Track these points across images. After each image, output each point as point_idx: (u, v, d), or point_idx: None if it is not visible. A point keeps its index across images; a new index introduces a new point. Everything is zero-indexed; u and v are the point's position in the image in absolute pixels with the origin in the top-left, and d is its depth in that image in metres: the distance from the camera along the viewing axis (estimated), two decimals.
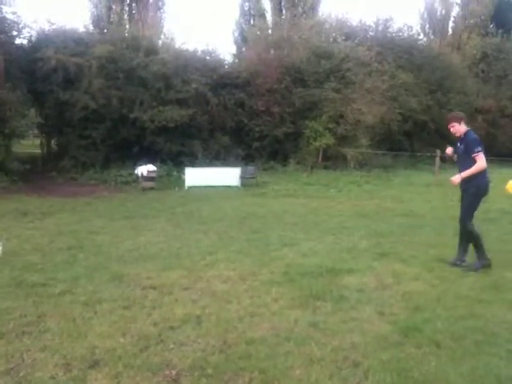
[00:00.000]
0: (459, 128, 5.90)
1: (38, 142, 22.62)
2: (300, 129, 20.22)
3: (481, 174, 5.74)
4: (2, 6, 15.32)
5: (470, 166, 5.69)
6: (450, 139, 21.84)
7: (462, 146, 5.88)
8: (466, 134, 5.87)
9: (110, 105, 16.35)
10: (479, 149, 5.66)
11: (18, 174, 14.20)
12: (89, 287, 4.91)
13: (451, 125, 5.96)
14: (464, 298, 4.67)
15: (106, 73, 16.61)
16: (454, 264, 5.92)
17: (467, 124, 5.96)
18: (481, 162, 5.65)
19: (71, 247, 6.73)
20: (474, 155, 5.67)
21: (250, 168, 16.45)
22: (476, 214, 5.96)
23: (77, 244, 6.94)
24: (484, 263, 5.76)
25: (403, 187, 15.43)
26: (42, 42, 16.52)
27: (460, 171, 5.85)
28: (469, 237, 5.88)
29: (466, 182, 5.79)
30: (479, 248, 5.81)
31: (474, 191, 5.79)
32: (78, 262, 5.97)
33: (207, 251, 6.57)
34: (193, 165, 16.66)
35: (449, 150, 6.39)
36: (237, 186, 15.29)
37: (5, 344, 3.60)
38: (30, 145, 23.70)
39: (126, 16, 29.09)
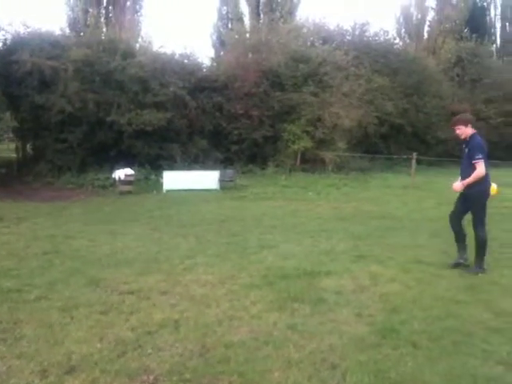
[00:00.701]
0: (465, 130, 5.79)
1: (13, 146, 22.28)
2: (278, 132, 20.29)
3: (482, 180, 5.68)
4: None
5: (470, 173, 5.66)
6: (427, 142, 22.11)
7: (467, 150, 5.79)
8: (471, 137, 5.78)
9: (87, 108, 16.18)
10: (480, 156, 5.58)
11: None
12: (65, 292, 4.85)
13: (457, 127, 5.84)
14: (440, 299, 4.73)
15: (82, 76, 16.44)
16: (458, 264, 5.96)
17: (474, 127, 5.86)
18: (480, 169, 5.59)
19: (47, 252, 6.63)
20: (474, 161, 5.62)
21: (229, 171, 16.44)
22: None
23: (53, 249, 6.85)
24: (480, 270, 5.71)
25: (380, 190, 15.58)
26: (18, 44, 16.26)
27: (461, 175, 5.85)
28: (477, 241, 5.83)
29: (468, 187, 5.76)
30: (482, 254, 5.81)
31: (477, 197, 5.77)
32: (54, 267, 5.90)
33: (186, 255, 6.55)
34: (171, 168, 16.57)
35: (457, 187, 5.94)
36: (216, 190, 15.26)
37: None
38: (5, 149, 23.33)
39: (102, 19, 28.82)
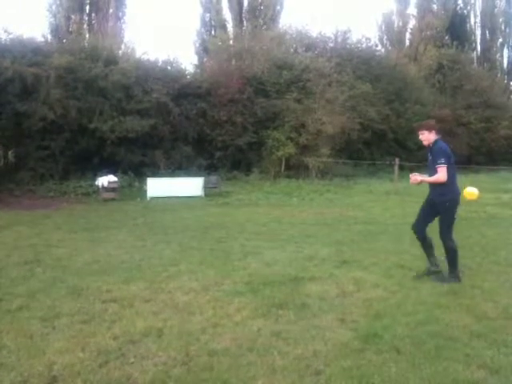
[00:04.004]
0: (428, 136, 5.60)
1: None
2: (262, 138, 20.37)
3: (450, 188, 5.51)
4: None
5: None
6: (408, 148, 22.28)
7: (431, 156, 5.63)
8: (434, 143, 5.59)
9: (69, 115, 16.08)
10: (442, 161, 5.39)
11: None
12: (46, 302, 4.79)
13: (420, 132, 5.66)
14: (423, 304, 4.76)
15: (64, 83, 16.34)
16: (431, 272, 5.77)
17: (439, 133, 5.67)
18: (441, 174, 5.40)
19: (28, 261, 6.54)
20: (436, 166, 5.43)
21: (213, 178, 16.44)
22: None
23: (34, 258, 6.75)
24: (454, 280, 5.53)
25: (363, 195, 15.68)
26: None
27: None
28: (447, 251, 5.66)
29: (437, 195, 5.61)
30: (455, 265, 5.62)
31: (450, 206, 5.58)
32: (35, 276, 5.82)
33: (169, 262, 6.50)
34: (155, 175, 16.52)
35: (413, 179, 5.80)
36: (200, 196, 15.23)
37: None
38: None
39: (85, 26, 28.57)
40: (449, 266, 5.67)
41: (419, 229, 5.90)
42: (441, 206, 5.62)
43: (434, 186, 5.66)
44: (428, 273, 5.80)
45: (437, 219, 5.75)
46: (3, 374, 3.33)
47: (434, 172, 5.51)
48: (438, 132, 5.66)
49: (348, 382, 3.21)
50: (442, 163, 5.39)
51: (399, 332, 4.05)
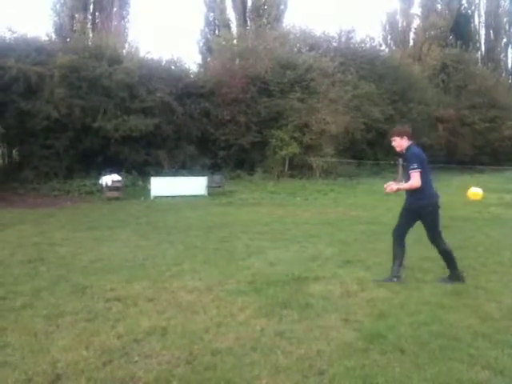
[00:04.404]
0: (400, 142, 5.52)
1: None
2: (266, 138, 20.37)
3: (426, 192, 5.41)
4: None
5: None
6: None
7: (405, 162, 5.57)
8: (407, 149, 5.50)
9: (73, 114, 16.13)
10: (415, 166, 5.30)
11: None
12: (50, 300, 4.80)
13: (392, 138, 5.60)
14: (427, 304, 4.75)
15: (68, 82, 16.37)
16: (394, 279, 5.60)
17: (412, 139, 5.58)
18: (414, 179, 5.31)
19: (32, 260, 6.56)
20: (409, 171, 5.36)
21: (217, 177, 16.45)
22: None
23: (38, 256, 6.77)
24: (456, 281, 5.47)
25: (367, 195, 15.65)
26: (3, 50, 16.13)
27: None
28: (443, 255, 5.62)
29: (413, 200, 5.53)
30: (454, 266, 5.57)
31: (431, 211, 5.50)
32: (39, 274, 5.83)
33: (173, 262, 6.51)
34: (158, 174, 16.54)
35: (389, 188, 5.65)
36: (203, 196, 15.24)
37: None
38: None
39: (89, 25, 28.64)
40: (448, 269, 5.62)
41: (399, 234, 5.78)
42: (420, 211, 5.52)
43: (409, 191, 5.56)
44: (387, 279, 5.60)
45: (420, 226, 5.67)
46: (8, 371, 3.34)
47: (409, 178, 5.43)
48: (410, 138, 5.57)
49: (352, 382, 3.20)
50: (414, 168, 5.31)
51: (403, 332, 4.04)
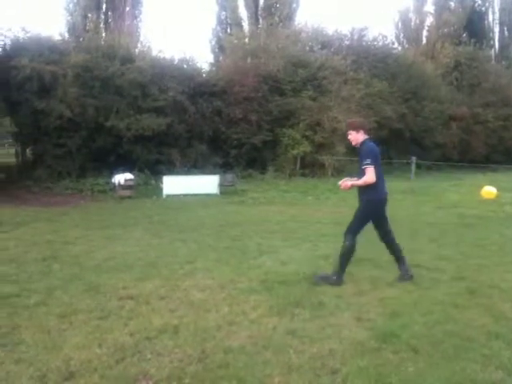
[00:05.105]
0: (356, 136, 5.42)
1: (12, 151, 22.33)
2: (278, 137, 20.33)
3: (376, 188, 5.33)
4: None
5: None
6: (426, 147, 22.12)
7: (359, 157, 5.44)
8: (362, 143, 5.41)
9: (86, 113, 16.21)
10: (368, 161, 5.21)
11: None
12: (64, 298, 4.84)
13: (348, 132, 5.52)
14: (440, 303, 4.72)
15: (81, 81, 16.47)
16: (404, 278, 5.54)
17: (367, 133, 5.50)
18: (369, 175, 5.21)
19: (46, 258, 6.62)
20: (363, 167, 5.26)
21: (229, 176, 16.46)
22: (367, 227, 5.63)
23: (52, 254, 6.83)
24: (335, 281, 5.32)
25: None
26: (17, 50, 16.28)
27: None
28: (344, 250, 5.45)
29: (361, 193, 5.48)
30: (343, 265, 5.42)
31: (372, 206, 5.45)
32: (52, 272, 5.88)
33: (185, 260, 6.53)
34: (171, 173, 16.59)
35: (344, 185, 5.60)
36: (215, 194, 15.26)
37: None
38: (4, 154, 23.36)
39: (102, 24, 28.77)
40: (338, 265, 5.45)
41: (381, 237, 5.71)
42: (364, 204, 5.46)
43: (362, 187, 5.45)
44: (400, 279, 5.53)
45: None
46: (22, 368, 3.38)
47: (362, 173, 5.33)
48: (366, 132, 5.49)
49: (365, 382, 3.19)
50: (368, 164, 5.22)
51: (416, 331, 4.02)
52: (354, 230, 5.46)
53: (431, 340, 3.85)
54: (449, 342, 3.82)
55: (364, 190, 5.41)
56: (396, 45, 34.50)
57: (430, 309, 4.56)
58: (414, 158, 17.11)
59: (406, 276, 5.54)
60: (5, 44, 16.92)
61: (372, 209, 5.47)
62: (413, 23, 38.66)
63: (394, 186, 17.33)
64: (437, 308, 4.58)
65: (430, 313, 4.45)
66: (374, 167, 5.24)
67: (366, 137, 5.47)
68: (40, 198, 14.31)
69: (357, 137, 5.44)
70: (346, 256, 5.43)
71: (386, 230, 5.66)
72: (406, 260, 5.67)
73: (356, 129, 5.44)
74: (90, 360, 3.49)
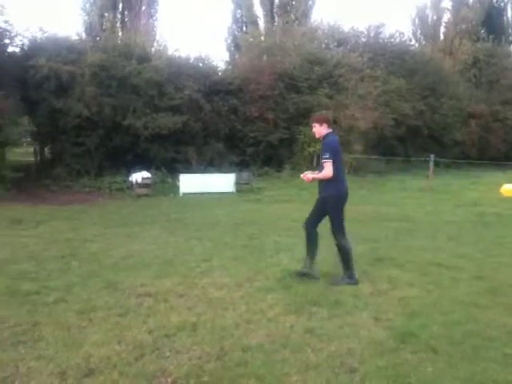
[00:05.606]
0: (320, 130, 5.44)
1: (31, 150, 22.59)
2: (294, 135, 20.27)
3: (335, 183, 5.31)
4: None
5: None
6: (444, 144, 21.80)
7: (321, 151, 5.46)
8: (325, 137, 5.43)
9: (103, 112, 16.31)
10: (327, 156, 5.21)
11: (11, 182, 14.15)
12: (83, 295, 4.88)
13: (312, 125, 5.53)
14: (460, 303, 4.67)
15: (98, 80, 16.57)
16: (302, 274, 5.52)
17: (331, 127, 5.50)
18: (326, 169, 5.22)
19: (65, 255, 6.69)
20: (322, 161, 5.30)
21: (245, 174, 16.46)
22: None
23: (71, 252, 6.90)
24: (349, 281, 5.32)
25: (397, 192, 15.46)
26: (35, 50, 16.44)
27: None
28: (339, 250, 5.47)
29: (322, 190, 5.48)
30: (348, 265, 5.41)
31: (333, 201, 5.41)
32: (71, 270, 5.94)
33: (202, 258, 6.55)
34: (187, 171, 16.64)
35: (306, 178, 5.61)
36: (232, 193, 15.28)
37: None
38: (23, 153, 23.64)
39: (118, 24, 28.98)
40: (344, 268, 5.45)
41: (309, 225, 5.70)
42: (325, 202, 5.47)
43: (322, 182, 5.46)
44: (300, 275, 5.53)
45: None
46: (42, 364, 3.41)
47: (322, 167, 5.33)
48: (329, 125, 5.49)
49: (383, 381, 3.17)
50: (326, 158, 5.23)
51: (435, 331, 3.99)
52: (336, 228, 5.46)
53: (451, 340, 3.82)
54: (469, 342, 3.78)
55: (324, 185, 5.43)
56: (413, 41, 34.23)
57: (450, 308, 4.52)
58: (432, 156, 16.89)
59: (304, 270, 5.54)
60: (23, 44, 17.09)
61: (334, 202, 5.43)
62: (430, 19, 38.24)
63: (412, 184, 17.23)
64: (457, 308, 4.54)
65: (449, 312, 4.41)
66: (333, 162, 5.23)
67: (330, 130, 5.49)
68: (59, 196, 14.46)
69: (320, 130, 5.47)
70: (347, 256, 5.44)
71: (318, 221, 5.64)
72: (316, 259, 5.64)
73: (319, 122, 5.46)
74: (109, 357, 3.51)
